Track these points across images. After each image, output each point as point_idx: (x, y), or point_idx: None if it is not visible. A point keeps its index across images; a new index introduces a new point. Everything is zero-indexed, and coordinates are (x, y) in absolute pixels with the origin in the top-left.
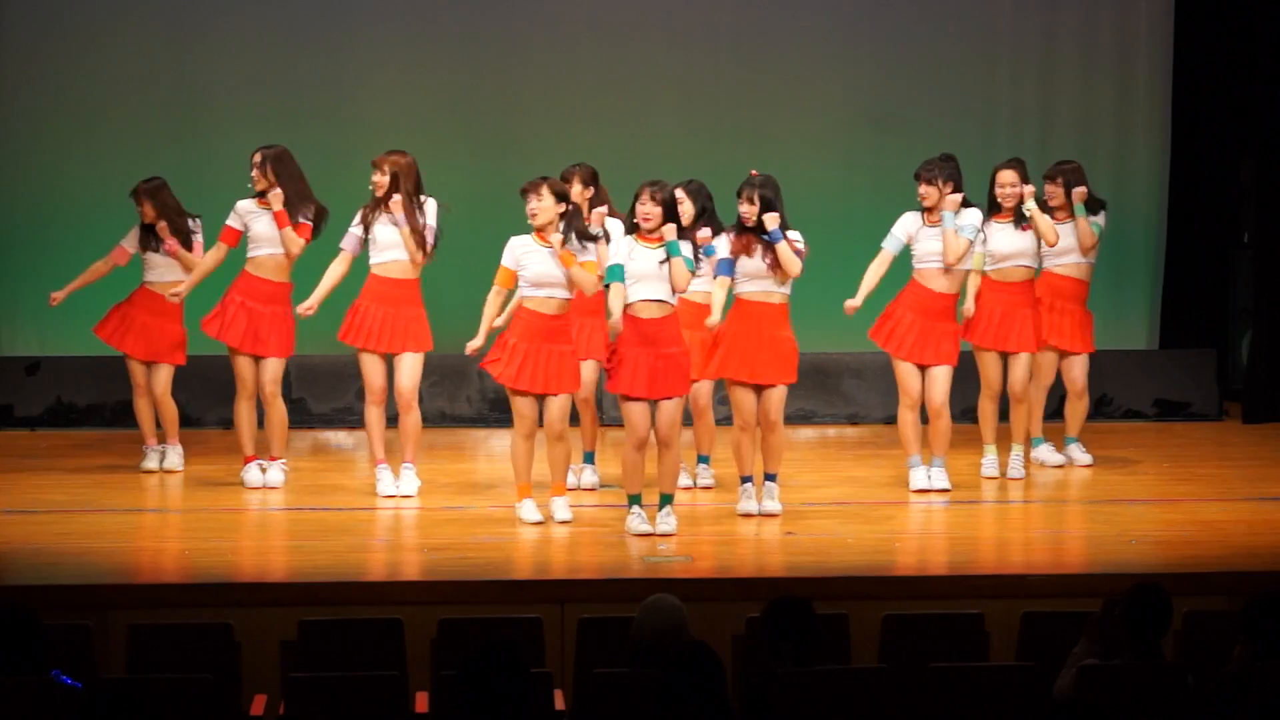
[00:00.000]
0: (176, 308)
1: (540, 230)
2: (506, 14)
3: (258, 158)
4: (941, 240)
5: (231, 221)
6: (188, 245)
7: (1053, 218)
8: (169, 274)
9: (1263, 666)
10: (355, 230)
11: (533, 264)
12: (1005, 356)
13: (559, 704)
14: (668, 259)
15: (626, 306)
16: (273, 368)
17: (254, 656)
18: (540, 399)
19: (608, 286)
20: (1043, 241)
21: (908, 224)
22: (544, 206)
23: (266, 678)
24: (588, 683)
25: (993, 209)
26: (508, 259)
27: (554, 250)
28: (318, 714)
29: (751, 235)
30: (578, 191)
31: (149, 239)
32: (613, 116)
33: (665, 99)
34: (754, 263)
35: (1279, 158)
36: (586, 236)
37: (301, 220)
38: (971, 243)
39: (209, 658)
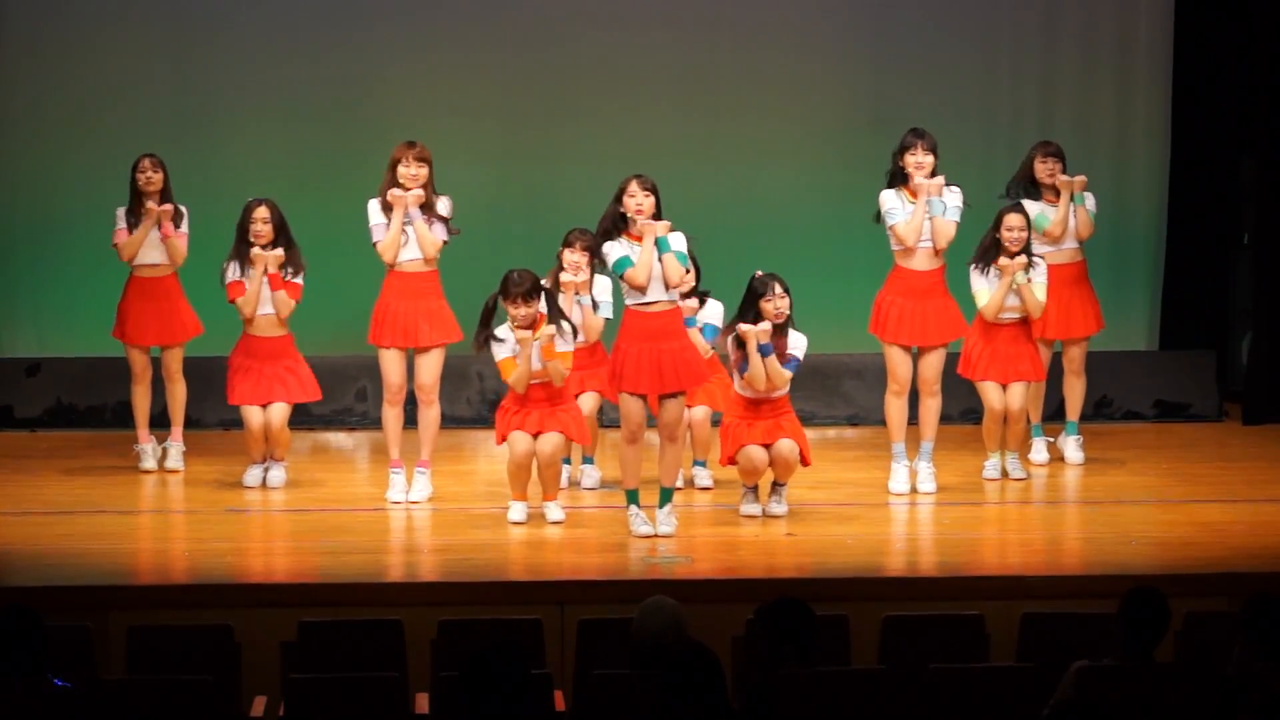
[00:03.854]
0: (173, 287)
1: (523, 328)
2: (507, 14)
3: (266, 213)
4: (928, 224)
5: (233, 276)
6: (177, 224)
7: (1044, 198)
8: (152, 255)
9: (1263, 666)
10: (380, 225)
11: (520, 367)
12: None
13: (559, 705)
14: (659, 256)
15: (627, 308)
16: (280, 411)
17: (254, 657)
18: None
19: (621, 276)
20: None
21: (893, 201)
22: (530, 313)
23: (267, 679)
24: (588, 684)
25: (995, 253)
26: (506, 351)
27: (538, 342)
28: (318, 715)
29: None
30: (583, 260)
31: (137, 219)
32: (614, 114)
33: (667, 98)
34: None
35: (1279, 158)
36: (564, 316)
37: (293, 281)
38: (959, 224)
39: (209, 659)
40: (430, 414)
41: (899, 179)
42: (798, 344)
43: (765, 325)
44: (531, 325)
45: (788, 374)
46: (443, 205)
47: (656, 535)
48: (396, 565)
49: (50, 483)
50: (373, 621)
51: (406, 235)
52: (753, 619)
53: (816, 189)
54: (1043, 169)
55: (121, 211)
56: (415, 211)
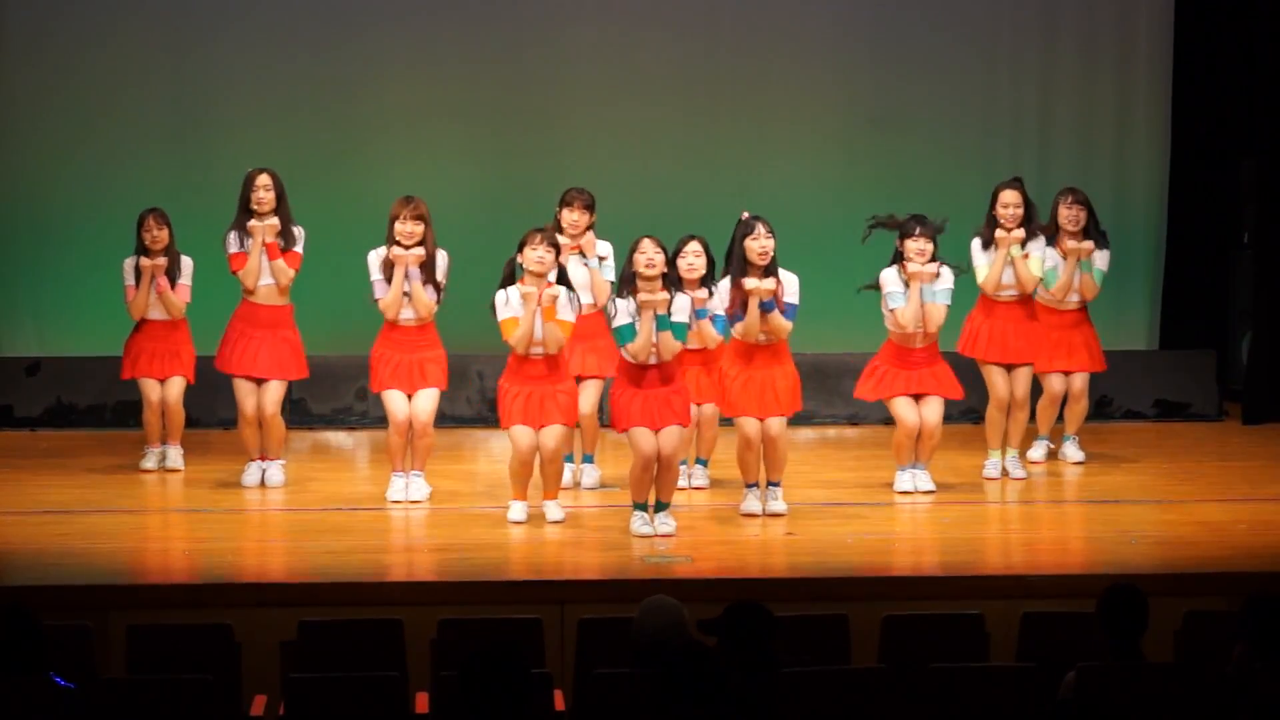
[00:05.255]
0: (181, 332)
1: (534, 277)
2: (506, 14)
3: (269, 180)
4: (921, 307)
5: (235, 248)
6: (172, 283)
7: (1059, 245)
8: (152, 313)
9: (1263, 666)
10: (380, 281)
11: (522, 323)
12: (1009, 367)
13: (559, 704)
14: (656, 333)
15: (622, 358)
16: (274, 390)
17: (254, 657)
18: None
19: (622, 345)
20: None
21: (895, 284)
22: (550, 259)
23: (266, 678)
24: (588, 683)
25: (993, 232)
26: (508, 310)
27: (538, 300)
28: (318, 714)
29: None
30: (583, 219)
31: (139, 273)
32: (613, 114)
33: (666, 98)
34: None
35: (1279, 158)
36: (570, 285)
37: (292, 250)
38: (949, 307)
39: (209, 658)
40: (423, 444)
41: (899, 258)
42: (791, 287)
43: (769, 282)
44: (544, 277)
45: (788, 325)
46: (441, 264)
47: (656, 535)
48: (396, 565)
49: (50, 483)
50: (373, 621)
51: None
52: (710, 624)
53: (816, 188)
54: (1067, 215)
55: (129, 266)
56: (414, 271)
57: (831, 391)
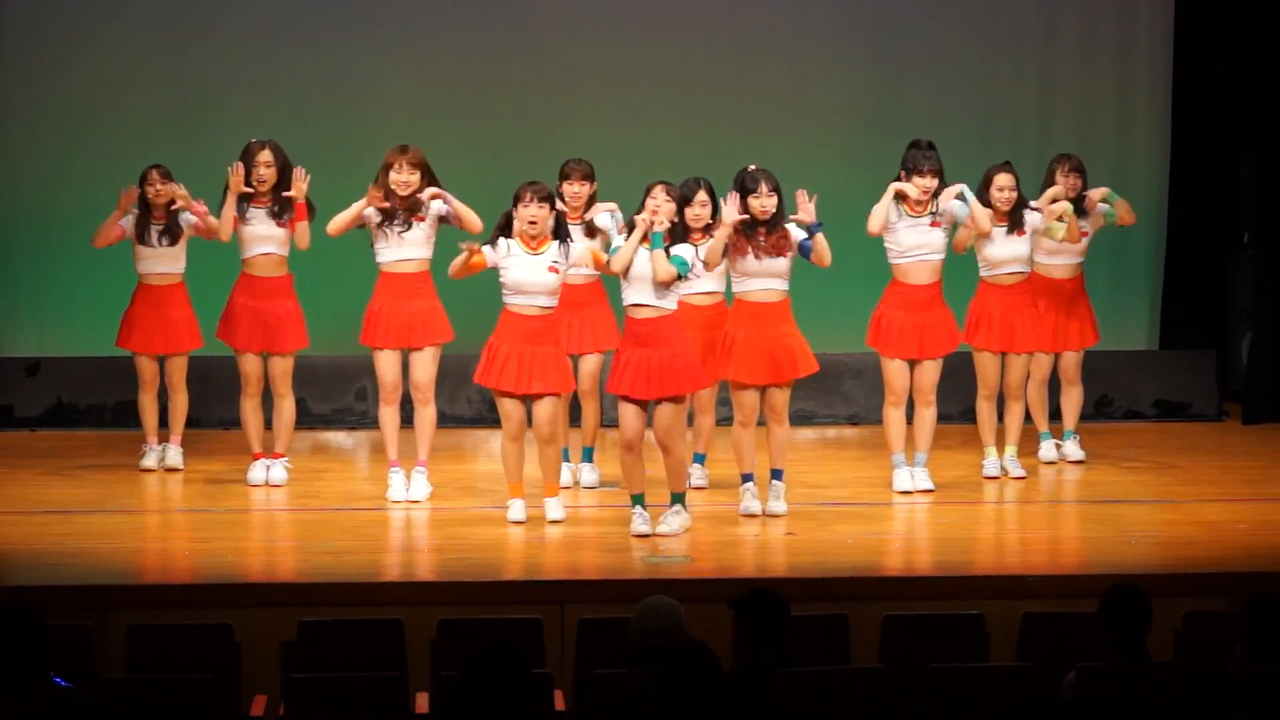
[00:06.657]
0: (178, 295)
1: (532, 238)
2: (507, 14)
3: (270, 156)
4: (924, 235)
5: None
6: (176, 238)
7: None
8: (160, 264)
9: (1263, 666)
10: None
11: (514, 269)
12: (1003, 356)
13: (559, 704)
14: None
15: (626, 313)
16: (283, 363)
17: (254, 657)
18: (527, 400)
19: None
20: (1046, 240)
21: (888, 211)
22: (544, 215)
23: (266, 678)
24: (588, 683)
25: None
26: (490, 255)
27: (553, 258)
28: (318, 714)
29: (745, 235)
30: (584, 190)
31: (145, 229)
32: (614, 115)
33: (666, 98)
34: (750, 261)
35: (1279, 158)
36: (567, 237)
37: (294, 216)
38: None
39: (209, 658)
40: (426, 414)
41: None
42: (797, 235)
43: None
44: (541, 235)
45: (826, 255)
46: (443, 209)
47: (655, 534)
48: (396, 565)
49: (50, 483)
50: (373, 621)
51: (398, 237)
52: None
53: (816, 189)
54: (1065, 184)
55: (129, 222)
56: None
57: (831, 392)
